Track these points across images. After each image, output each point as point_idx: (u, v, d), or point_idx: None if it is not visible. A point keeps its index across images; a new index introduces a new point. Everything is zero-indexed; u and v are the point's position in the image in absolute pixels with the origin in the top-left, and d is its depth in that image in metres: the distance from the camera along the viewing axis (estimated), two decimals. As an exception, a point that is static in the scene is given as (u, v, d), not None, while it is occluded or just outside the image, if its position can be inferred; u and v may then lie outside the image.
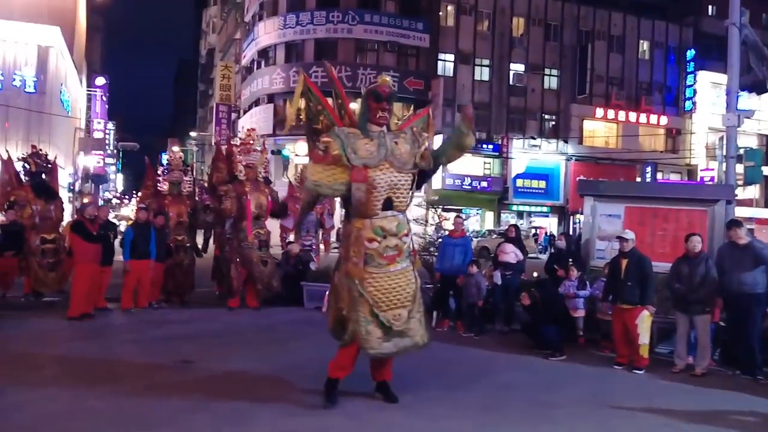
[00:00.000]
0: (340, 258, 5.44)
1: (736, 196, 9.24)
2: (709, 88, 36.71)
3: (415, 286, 5.26)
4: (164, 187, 10.75)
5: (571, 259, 8.57)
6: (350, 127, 5.27)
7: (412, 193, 5.39)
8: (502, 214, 34.81)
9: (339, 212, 27.59)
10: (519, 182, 35.37)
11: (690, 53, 37.35)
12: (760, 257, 6.64)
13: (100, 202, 10.19)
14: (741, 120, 10.56)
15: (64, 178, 25.26)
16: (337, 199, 5.88)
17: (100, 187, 50.87)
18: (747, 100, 20.83)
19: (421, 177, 5.48)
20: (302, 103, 5.43)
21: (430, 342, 5.39)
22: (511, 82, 35.45)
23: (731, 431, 5.10)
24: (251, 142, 10.38)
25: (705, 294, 6.80)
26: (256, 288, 9.98)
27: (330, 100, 5.49)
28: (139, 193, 14.02)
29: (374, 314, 4.99)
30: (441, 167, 5.57)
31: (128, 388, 5.54)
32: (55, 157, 11.71)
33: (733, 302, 6.87)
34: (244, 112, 37.78)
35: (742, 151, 10.81)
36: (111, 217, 12.48)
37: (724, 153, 10.71)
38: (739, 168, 10.86)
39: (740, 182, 11.40)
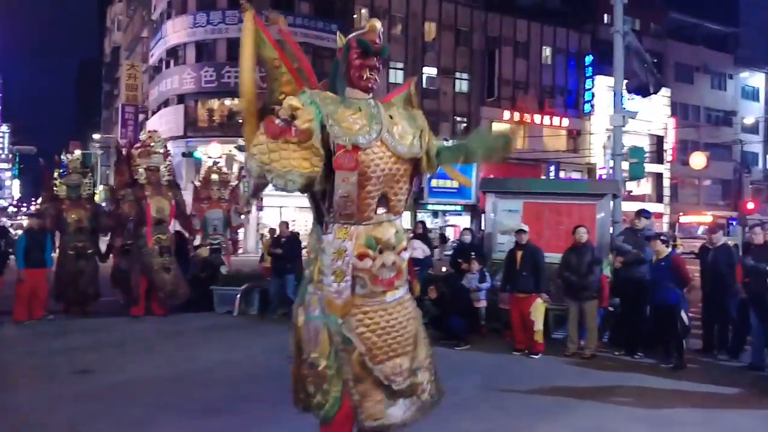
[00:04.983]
0: (304, 286, 3.62)
1: (630, 191, 9.96)
2: (605, 92, 38.83)
3: (416, 322, 3.77)
4: (61, 190, 10.20)
5: (473, 253, 8.94)
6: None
7: (411, 190, 3.75)
8: (417, 214, 35.45)
9: (255, 213, 26.52)
10: (434, 182, 36.07)
11: (588, 59, 39.48)
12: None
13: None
14: (626, 120, 11.41)
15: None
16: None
17: (-6, 194, 47.50)
18: (635, 103, 22.41)
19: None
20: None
21: (444, 394, 3.84)
22: (424, 85, 36.19)
23: (610, 405, 5.59)
24: (151, 144, 10.03)
25: (591, 281, 7.32)
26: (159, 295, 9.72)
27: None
28: (39, 200, 13.29)
29: (367, 368, 3.45)
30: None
31: (23, 400, 5.36)
32: None
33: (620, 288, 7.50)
34: (153, 113, 36.40)
35: (626, 150, 11.65)
36: (8, 225, 11.75)
37: (612, 151, 11.56)
38: (627, 165, 11.75)
39: (627, 178, 12.27)
